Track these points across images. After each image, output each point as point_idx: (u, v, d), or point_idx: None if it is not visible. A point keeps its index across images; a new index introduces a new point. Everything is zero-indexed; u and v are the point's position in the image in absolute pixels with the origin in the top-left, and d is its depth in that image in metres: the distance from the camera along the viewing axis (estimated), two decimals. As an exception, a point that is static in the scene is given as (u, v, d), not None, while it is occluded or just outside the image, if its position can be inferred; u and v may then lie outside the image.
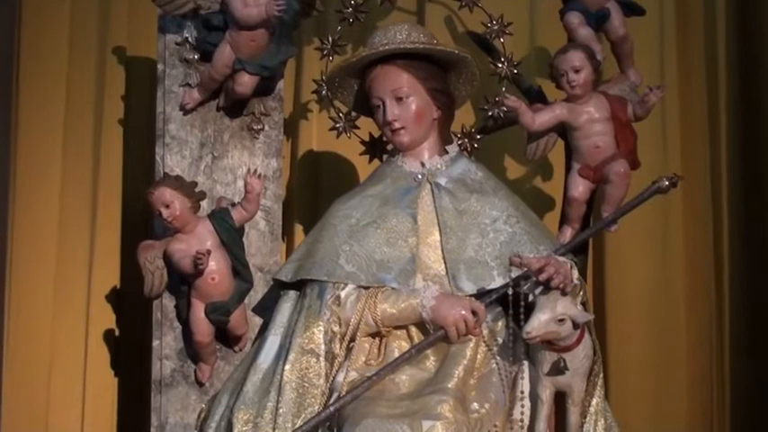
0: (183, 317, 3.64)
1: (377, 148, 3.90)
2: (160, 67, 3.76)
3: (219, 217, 3.56)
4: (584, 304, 3.31)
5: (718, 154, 4.42)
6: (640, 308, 4.39)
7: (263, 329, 3.53)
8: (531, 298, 3.19)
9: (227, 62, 3.60)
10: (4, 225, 4.16)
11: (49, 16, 4.27)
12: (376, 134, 3.85)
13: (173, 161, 3.73)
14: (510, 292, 3.25)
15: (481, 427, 3.16)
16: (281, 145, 3.82)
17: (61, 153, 4.24)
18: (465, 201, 3.47)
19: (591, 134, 3.64)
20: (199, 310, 3.57)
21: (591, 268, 4.29)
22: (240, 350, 3.69)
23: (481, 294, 3.35)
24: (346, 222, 3.47)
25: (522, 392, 3.21)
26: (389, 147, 3.72)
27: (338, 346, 3.35)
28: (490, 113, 3.83)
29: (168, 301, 3.67)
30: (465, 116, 3.95)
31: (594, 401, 3.29)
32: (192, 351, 3.65)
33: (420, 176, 3.52)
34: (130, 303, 4.20)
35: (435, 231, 3.45)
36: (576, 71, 3.60)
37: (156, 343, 3.67)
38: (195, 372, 3.67)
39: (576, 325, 3.14)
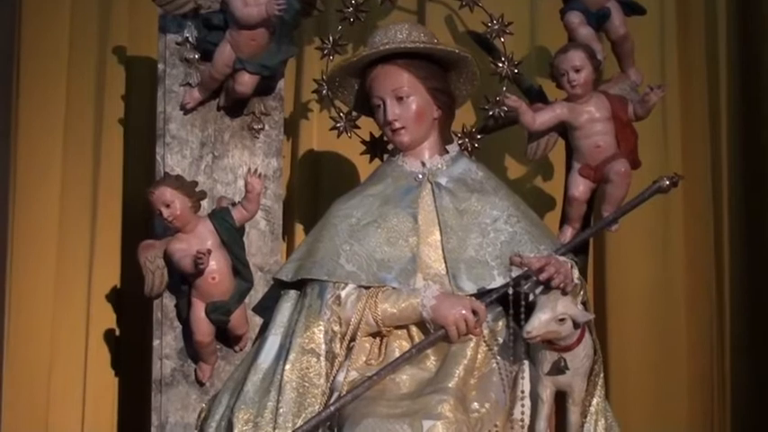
0: (184, 316, 3.64)
1: (377, 147, 3.90)
2: (160, 66, 3.76)
3: (220, 216, 3.56)
4: (584, 304, 3.31)
5: (719, 153, 4.43)
6: (641, 307, 4.39)
7: (264, 329, 3.53)
8: (531, 297, 3.19)
9: (228, 61, 3.60)
10: (4, 224, 4.16)
11: (49, 16, 4.27)
12: (376, 134, 3.85)
13: (173, 161, 3.73)
14: (510, 291, 3.25)
15: (482, 427, 3.16)
16: (281, 144, 3.82)
17: (62, 152, 4.24)
18: (465, 200, 3.47)
19: (591, 134, 3.64)
20: (199, 310, 3.57)
21: (591, 268, 4.29)
22: (240, 350, 3.69)
23: (482, 294, 3.35)
24: (347, 222, 3.47)
25: (523, 392, 3.21)
26: (390, 146, 3.72)
27: (339, 345, 3.35)
28: (491, 113, 3.83)
29: (168, 301, 3.67)
30: (465, 116, 3.95)
31: (595, 401, 3.29)
32: (192, 350, 3.65)
33: (420, 176, 3.52)
34: (131, 303, 4.20)
35: (436, 231, 3.45)
36: (577, 71, 3.60)
37: (156, 342, 3.67)
38: (195, 371, 3.66)
39: (576, 324, 3.14)
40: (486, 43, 3.93)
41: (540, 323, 3.10)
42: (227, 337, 3.67)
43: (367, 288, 3.37)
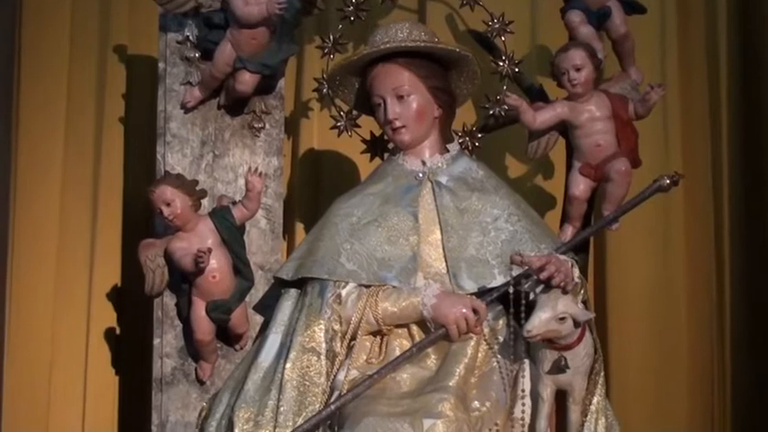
0: (184, 315, 3.64)
1: (378, 146, 3.90)
2: (161, 65, 3.76)
3: (220, 215, 3.56)
4: (584, 303, 3.31)
5: (720, 152, 4.43)
6: (641, 306, 4.39)
7: (264, 328, 3.53)
8: (531, 296, 3.19)
9: (228, 60, 3.60)
10: (5, 223, 4.16)
11: (49, 15, 4.27)
12: (377, 133, 3.85)
13: (174, 159, 3.73)
14: (511, 290, 3.25)
15: (482, 426, 3.16)
16: (281, 143, 3.82)
17: (62, 151, 4.24)
18: (466, 199, 3.47)
19: (592, 132, 3.64)
20: (200, 309, 3.57)
21: (592, 267, 4.29)
22: (241, 348, 3.69)
23: (482, 293, 3.35)
24: (347, 221, 3.47)
25: (523, 391, 3.21)
26: (390, 145, 3.72)
27: (339, 344, 3.35)
28: (491, 112, 3.83)
29: (169, 300, 3.67)
30: (466, 114, 3.95)
31: (595, 400, 3.28)
32: (192, 349, 3.65)
33: (421, 175, 3.51)
34: (131, 302, 4.20)
35: (436, 230, 3.45)
36: (578, 69, 3.60)
37: (156, 341, 3.67)
38: (196, 370, 3.67)
39: (576, 323, 3.14)
40: (486, 42, 3.93)
41: (540, 322, 3.10)
42: (227, 336, 3.67)
43: (367, 287, 3.37)
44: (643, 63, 4.00)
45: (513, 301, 3.23)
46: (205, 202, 3.61)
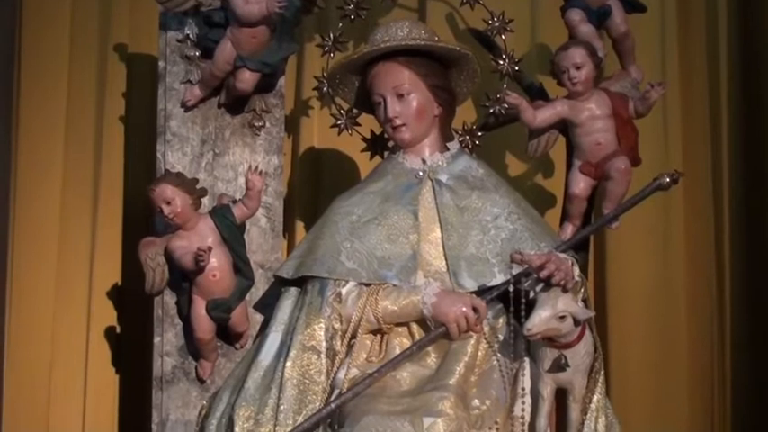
0: (184, 314, 3.64)
1: (378, 145, 3.90)
2: (161, 64, 3.76)
3: (221, 214, 3.56)
4: (585, 301, 3.31)
5: (720, 150, 4.42)
6: (641, 305, 4.39)
7: (264, 326, 3.53)
8: (532, 295, 3.19)
9: (229, 59, 3.60)
10: (5, 222, 4.16)
11: (50, 13, 4.27)
12: (377, 131, 3.85)
13: (174, 158, 3.74)
14: (511, 288, 3.25)
15: (482, 424, 3.17)
16: (282, 142, 3.82)
17: (62, 150, 4.24)
18: (466, 198, 3.47)
19: (592, 131, 3.64)
20: (200, 307, 3.57)
21: (592, 265, 4.30)
22: (241, 347, 3.69)
23: (482, 291, 3.35)
24: (347, 219, 3.47)
25: (523, 389, 3.21)
26: (390, 144, 3.72)
27: (339, 342, 3.35)
28: (491, 110, 3.83)
29: (169, 298, 3.68)
30: (466, 113, 3.95)
31: (595, 398, 3.28)
32: (193, 348, 3.65)
33: (421, 173, 3.51)
34: (131, 300, 4.20)
35: (436, 228, 3.45)
36: (578, 68, 3.60)
37: (157, 340, 3.68)
38: (196, 368, 3.67)
39: (576, 322, 3.14)
40: (486, 41, 3.93)
41: (540, 320, 3.10)
42: (227, 335, 3.67)
43: (368, 285, 3.37)
44: (643, 61, 4.00)
45: (513, 300, 3.23)
46: (205, 200, 3.61)
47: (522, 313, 3.17)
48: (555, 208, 4.16)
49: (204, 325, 3.58)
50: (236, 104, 3.76)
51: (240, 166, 3.76)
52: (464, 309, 3.26)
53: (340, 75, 3.61)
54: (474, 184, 3.50)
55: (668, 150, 4.41)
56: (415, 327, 3.35)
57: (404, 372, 3.26)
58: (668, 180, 3.45)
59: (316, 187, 4.41)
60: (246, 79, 3.62)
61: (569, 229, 3.71)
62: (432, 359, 3.30)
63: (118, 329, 4.28)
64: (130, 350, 4.25)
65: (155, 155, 3.75)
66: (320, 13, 3.88)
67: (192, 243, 3.51)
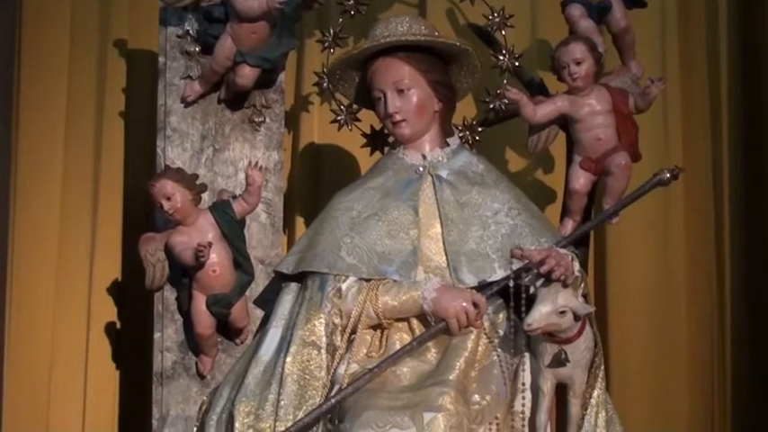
0: (185, 309, 3.64)
1: (378, 140, 3.90)
2: (161, 59, 3.76)
3: (221, 209, 3.56)
4: (585, 296, 3.31)
5: (720, 146, 4.42)
6: (641, 300, 4.39)
7: (265, 322, 3.53)
8: (532, 290, 3.20)
9: (229, 54, 3.60)
10: (5, 218, 4.16)
11: (50, 10, 4.27)
12: (377, 127, 3.85)
13: (174, 153, 3.73)
14: (511, 284, 3.25)
15: (482, 419, 3.17)
16: (282, 137, 3.82)
17: (63, 146, 4.24)
18: (466, 193, 3.47)
19: (592, 126, 3.64)
20: (200, 303, 3.57)
21: (592, 260, 4.29)
22: (241, 342, 3.69)
23: (482, 286, 3.35)
24: (348, 215, 3.47)
25: (524, 384, 3.21)
26: (391, 139, 3.72)
27: (339, 338, 3.35)
28: (491, 106, 3.83)
29: (169, 294, 3.67)
30: (466, 108, 3.95)
31: (595, 393, 3.29)
32: (193, 343, 3.65)
33: (421, 169, 3.51)
34: (132, 296, 4.20)
35: (437, 223, 3.45)
36: (578, 63, 3.60)
37: (157, 335, 3.68)
38: (196, 364, 3.67)
39: (577, 317, 3.14)
40: (486, 36, 3.93)
41: (540, 315, 3.10)
42: (227, 330, 3.67)
43: (368, 281, 3.37)
44: (643, 57, 4.00)
45: (514, 295, 3.24)
46: (205, 196, 3.61)
47: (523, 309, 3.18)
48: (555, 203, 4.16)
49: (204, 320, 3.58)
50: (236, 100, 3.75)
51: (240, 161, 3.75)
52: (464, 304, 3.26)
53: (340, 70, 3.61)
54: (474, 180, 3.50)
55: (668, 146, 4.41)
56: (415, 322, 3.35)
57: (404, 367, 3.26)
58: (668, 176, 3.45)
59: (316, 183, 4.41)
60: (246, 75, 3.62)
61: (569, 225, 3.71)
62: (432, 354, 3.30)
63: (118, 325, 4.28)
64: (131, 346, 4.25)
65: (155, 150, 3.75)
66: (320, 8, 3.88)
67: (192, 239, 3.50)
